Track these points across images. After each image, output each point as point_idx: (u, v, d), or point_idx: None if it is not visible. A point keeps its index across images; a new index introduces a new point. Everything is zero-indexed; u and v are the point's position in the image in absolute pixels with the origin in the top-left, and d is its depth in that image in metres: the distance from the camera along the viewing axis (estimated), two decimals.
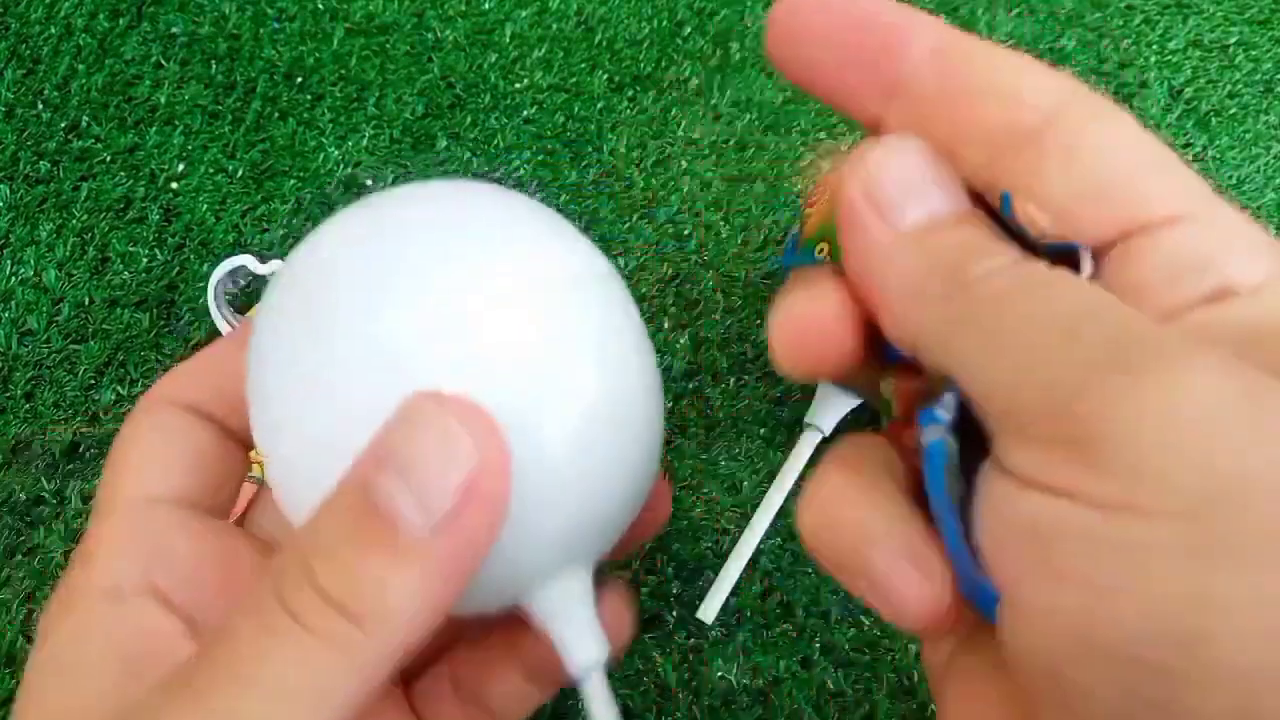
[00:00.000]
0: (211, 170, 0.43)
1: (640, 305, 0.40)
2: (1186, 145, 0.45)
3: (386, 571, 0.16)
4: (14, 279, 0.41)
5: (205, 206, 0.42)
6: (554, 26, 0.47)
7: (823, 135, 0.45)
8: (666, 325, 0.40)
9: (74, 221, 0.42)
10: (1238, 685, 0.12)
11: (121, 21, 0.47)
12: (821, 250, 0.18)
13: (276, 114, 0.45)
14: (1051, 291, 0.15)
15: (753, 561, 0.35)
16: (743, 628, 0.35)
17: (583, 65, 0.46)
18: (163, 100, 0.45)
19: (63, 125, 0.44)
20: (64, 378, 0.39)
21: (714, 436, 0.38)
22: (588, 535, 0.19)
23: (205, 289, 0.39)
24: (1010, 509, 0.14)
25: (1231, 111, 0.46)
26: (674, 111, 0.45)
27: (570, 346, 0.19)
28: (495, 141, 0.44)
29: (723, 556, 0.36)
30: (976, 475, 0.15)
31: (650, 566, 0.36)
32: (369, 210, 0.20)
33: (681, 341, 0.40)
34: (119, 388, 0.39)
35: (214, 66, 0.46)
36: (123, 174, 0.43)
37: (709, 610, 0.35)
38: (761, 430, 0.38)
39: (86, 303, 0.40)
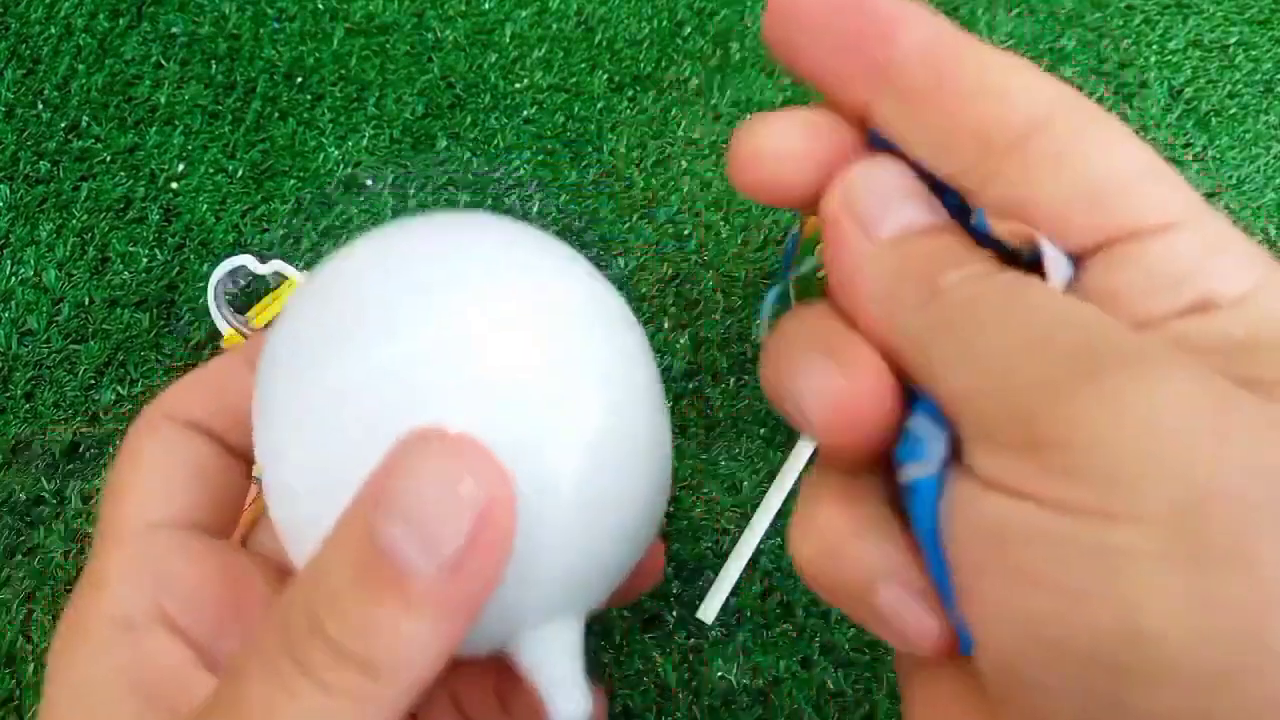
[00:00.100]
0: (211, 170, 0.43)
1: (640, 305, 0.41)
2: (1186, 145, 0.45)
3: (399, 620, 0.16)
4: (14, 279, 0.41)
5: (205, 206, 0.42)
6: (554, 26, 0.47)
7: None
8: (666, 325, 0.40)
9: (74, 221, 0.42)
10: (1194, 686, 0.12)
11: (121, 21, 0.47)
12: (821, 250, 0.18)
13: (276, 114, 0.45)
14: (1024, 298, 0.15)
15: (753, 561, 0.35)
16: (743, 628, 0.35)
17: (583, 65, 0.46)
18: (163, 100, 0.45)
19: (63, 125, 0.44)
20: (64, 378, 0.39)
21: (714, 436, 0.38)
22: (581, 585, 0.19)
23: (205, 289, 0.39)
24: (975, 512, 0.14)
25: (1231, 111, 0.46)
26: (674, 111, 0.45)
27: (578, 392, 0.18)
28: (495, 141, 0.44)
29: (723, 556, 0.36)
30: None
31: None
32: (381, 239, 0.20)
33: (681, 341, 0.40)
34: (119, 388, 0.39)
35: (214, 66, 0.46)
36: (123, 174, 0.43)
37: (709, 610, 0.35)
38: (761, 430, 0.38)
39: (86, 303, 0.40)
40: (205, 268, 0.40)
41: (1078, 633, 0.13)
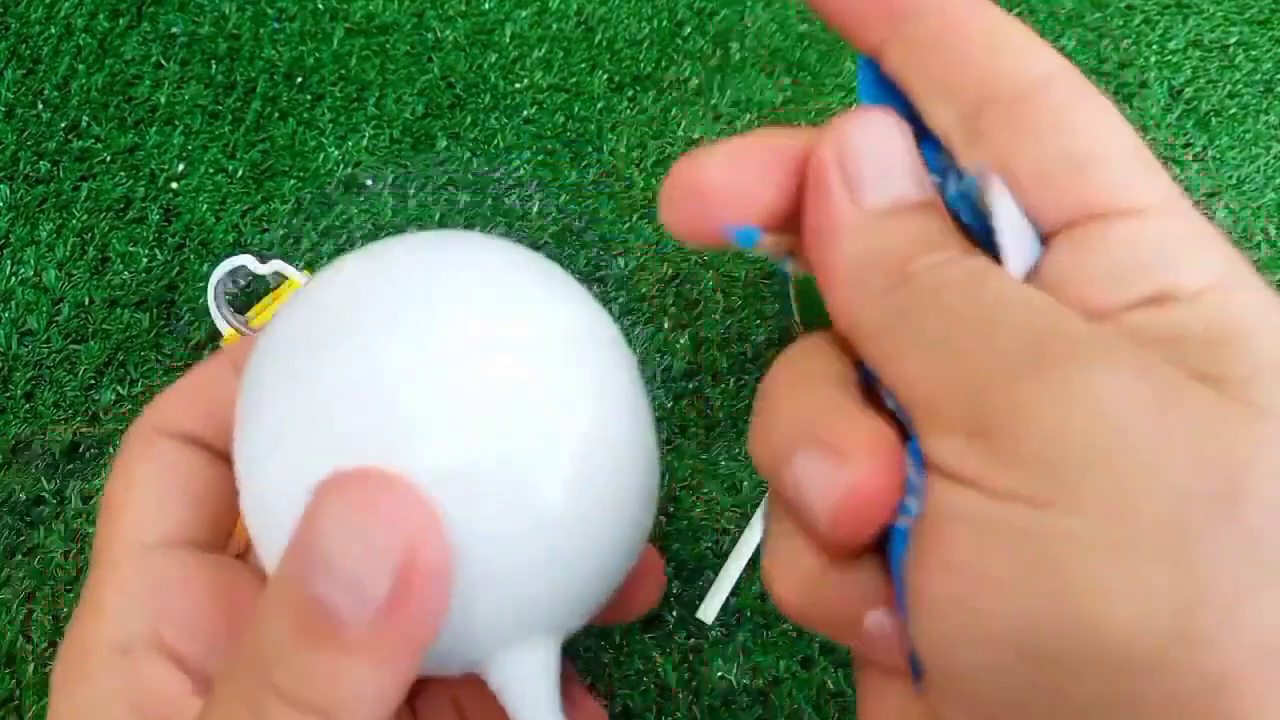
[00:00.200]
0: (211, 170, 0.43)
1: (640, 305, 0.41)
2: (1186, 145, 0.45)
3: (338, 666, 0.16)
4: (14, 279, 0.41)
5: (205, 206, 0.42)
6: (554, 26, 0.47)
7: None
8: (666, 325, 0.40)
9: (74, 221, 0.42)
10: (1127, 674, 0.13)
11: (121, 21, 0.47)
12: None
13: (276, 114, 0.45)
14: (983, 285, 0.15)
15: (753, 561, 0.35)
16: (743, 628, 0.35)
17: (583, 65, 0.46)
18: (163, 100, 0.45)
19: (63, 125, 0.44)
20: (64, 378, 0.39)
21: (714, 436, 0.38)
22: (555, 607, 0.18)
23: (205, 289, 0.39)
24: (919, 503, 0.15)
25: (1231, 111, 0.46)
26: (674, 111, 0.45)
27: (551, 410, 0.18)
28: (495, 141, 0.44)
29: (723, 556, 0.36)
30: None
31: None
32: (365, 258, 0.20)
33: (681, 341, 0.40)
34: (119, 388, 0.39)
35: (214, 66, 0.46)
36: (123, 174, 0.43)
37: (709, 610, 0.35)
38: None
39: (86, 303, 0.40)
40: (205, 268, 0.40)
41: (1015, 623, 0.13)
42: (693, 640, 0.35)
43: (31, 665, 0.34)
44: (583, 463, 0.18)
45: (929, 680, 0.15)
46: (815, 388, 0.17)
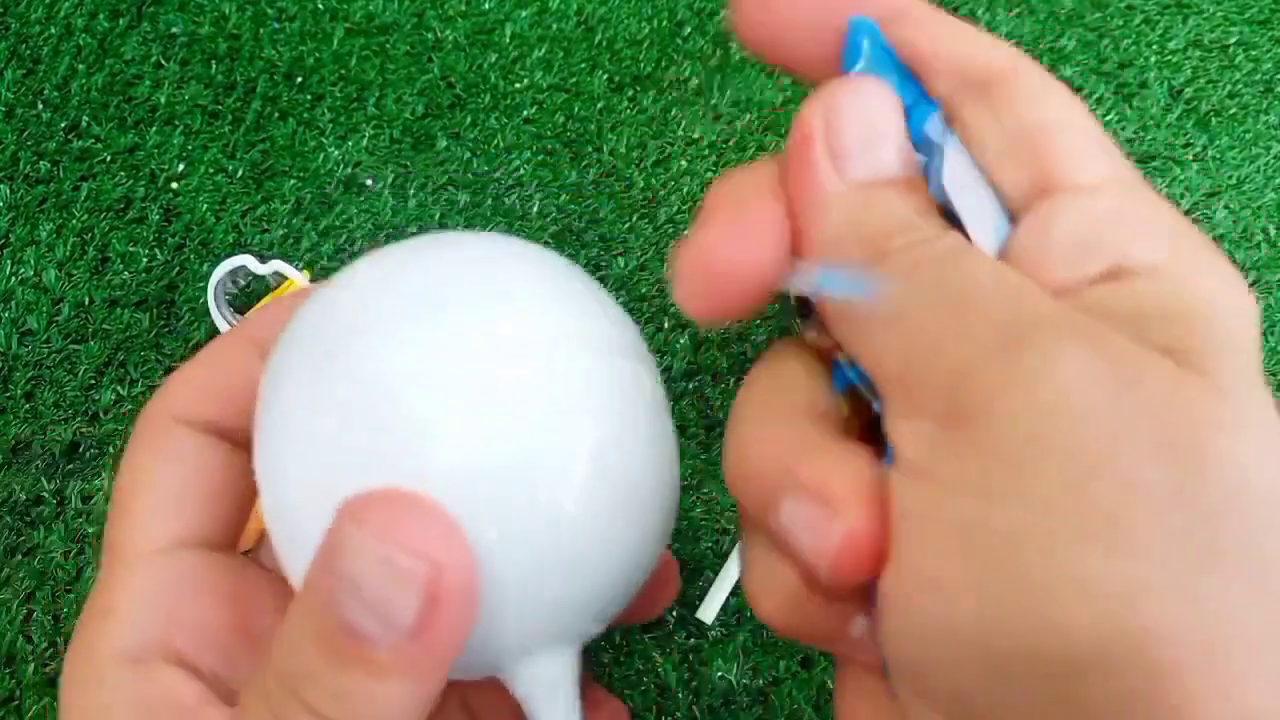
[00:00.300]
0: (211, 170, 0.43)
1: (640, 305, 0.41)
2: (1186, 145, 0.45)
3: (370, 688, 0.16)
4: (14, 279, 0.41)
5: (205, 206, 0.42)
6: (554, 26, 0.47)
7: None
8: (666, 325, 0.40)
9: (74, 221, 0.42)
10: (1066, 674, 0.12)
11: (121, 21, 0.47)
12: None
13: (276, 114, 0.45)
14: (957, 266, 0.15)
15: None
16: (743, 628, 0.35)
17: (583, 65, 0.46)
18: (163, 100, 0.45)
19: (63, 125, 0.44)
20: (64, 378, 0.39)
21: (714, 436, 0.38)
22: (576, 614, 0.18)
23: (205, 289, 0.39)
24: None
25: (1231, 111, 0.46)
26: (674, 111, 0.45)
27: (573, 416, 0.18)
28: (495, 141, 0.44)
29: (723, 556, 0.36)
30: None
31: None
32: (385, 258, 0.19)
33: (681, 341, 0.40)
34: (119, 388, 0.39)
35: (214, 66, 0.46)
36: (123, 174, 0.43)
37: (709, 610, 0.35)
38: None
39: (86, 303, 0.40)
40: (205, 268, 0.40)
41: (960, 622, 0.13)
42: (693, 640, 0.35)
43: (31, 665, 0.34)
44: (606, 467, 0.18)
45: (891, 673, 0.15)
46: (790, 421, 0.17)
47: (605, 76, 0.46)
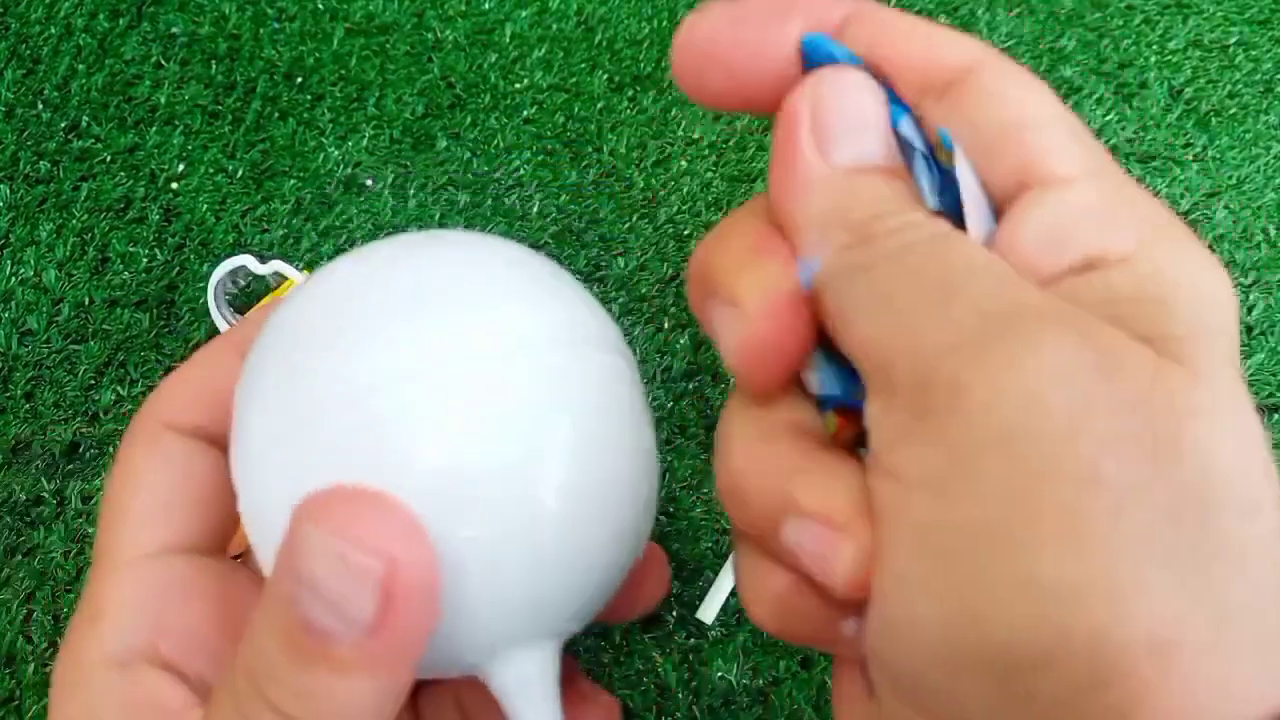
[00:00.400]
0: (211, 170, 0.43)
1: (640, 305, 0.41)
2: (1186, 145, 0.45)
3: (332, 684, 0.16)
4: (14, 279, 0.41)
5: (205, 206, 0.42)
6: (554, 26, 0.47)
7: None
8: (666, 325, 0.40)
9: (74, 221, 0.42)
10: (1016, 672, 0.12)
11: (121, 21, 0.47)
12: None
13: (276, 114, 0.45)
14: (942, 253, 0.15)
15: None
16: (743, 628, 0.35)
17: (583, 65, 0.46)
18: (163, 100, 0.45)
19: (63, 125, 0.44)
20: (64, 378, 0.39)
21: (714, 436, 0.38)
22: (554, 611, 0.18)
23: (205, 289, 0.39)
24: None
25: (1231, 111, 0.46)
26: (674, 111, 0.45)
27: (545, 412, 0.18)
28: (495, 141, 0.44)
29: (723, 556, 0.36)
30: None
31: None
32: (360, 259, 0.19)
33: (681, 341, 0.40)
34: (119, 388, 0.39)
35: (214, 66, 0.46)
36: (123, 174, 0.43)
37: (709, 610, 0.35)
38: None
39: (86, 303, 0.40)
40: (205, 268, 0.40)
41: (916, 622, 0.13)
42: (693, 640, 0.35)
43: (31, 665, 0.34)
44: (578, 466, 0.18)
45: (869, 668, 0.15)
46: (780, 438, 0.17)
47: (605, 76, 0.46)
